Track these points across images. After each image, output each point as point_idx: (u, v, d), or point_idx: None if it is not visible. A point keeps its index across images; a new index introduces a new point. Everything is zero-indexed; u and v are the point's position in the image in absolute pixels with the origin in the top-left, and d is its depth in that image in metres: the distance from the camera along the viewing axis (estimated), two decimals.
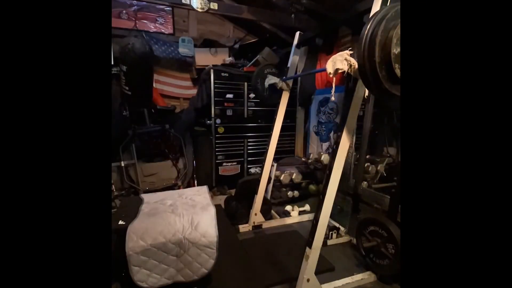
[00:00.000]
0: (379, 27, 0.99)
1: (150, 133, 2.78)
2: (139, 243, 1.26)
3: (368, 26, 1.04)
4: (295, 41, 2.16)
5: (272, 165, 2.46)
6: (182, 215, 1.38)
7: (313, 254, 1.38)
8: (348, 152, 1.73)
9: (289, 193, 2.81)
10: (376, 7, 1.28)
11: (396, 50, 0.97)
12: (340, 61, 1.24)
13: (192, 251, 1.32)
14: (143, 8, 3.25)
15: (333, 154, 1.36)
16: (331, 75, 1.27)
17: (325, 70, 1.31)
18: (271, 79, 2.19)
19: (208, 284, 1.48)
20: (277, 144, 2.29)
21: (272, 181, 2.58)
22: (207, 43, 3.45)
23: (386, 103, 2.18)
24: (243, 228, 2.25)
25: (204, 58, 3.33)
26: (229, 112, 3.05)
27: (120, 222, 1.34)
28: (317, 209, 1.39)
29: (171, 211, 1.43)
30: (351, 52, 1.27)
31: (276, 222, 2.41)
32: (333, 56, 1.27)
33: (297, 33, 2.16)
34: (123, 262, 1.24)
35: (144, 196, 1.67)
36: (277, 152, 2.37)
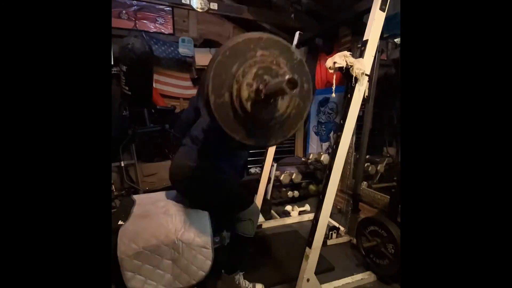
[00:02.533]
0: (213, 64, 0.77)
1: (150, 133, 2.78)
2: (131, 246, 1.23)
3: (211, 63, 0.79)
4: (295, 41, 2.16)
5: (272, 165, 2.46)
6: (174, 216, 1.36)
7: (313, 254, 1.38)
8: (348, 152, 1.73)
9: (289, 193, 2.81)
10: (376, 7, 1.29)
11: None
12: (339, 57, 1.26)
13: (187, 253, 1.30)
14: (143, 8, 3.25)
15: (333, 154, 1.36)
16: (331, 70, 1.29)
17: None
18: None
19: (207, 284, 1.48)
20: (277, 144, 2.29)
21: (272, 181, 2.57)
22: (207, 43, 3.45)
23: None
24: None
25: (204, 58, 3.32)
26: None
27: (120, 222, 1.34)
28: (317, 209, 1.39)
29: (163, 212, 1.41)
30: (351, 53, 1.29)
31: (276, 222, 2.40)
32: (335, 55, 1.29)
33: (297, 33, 2.16)
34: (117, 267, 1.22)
35: (136, 198, 1.64)
36: (277, 152, 2.37)
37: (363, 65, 1.28)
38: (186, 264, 1.31)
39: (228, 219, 1.47)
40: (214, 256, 1.33)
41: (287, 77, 0.65)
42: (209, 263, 1.34)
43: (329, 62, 1.28)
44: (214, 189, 1.40)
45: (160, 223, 1.32)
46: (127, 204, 1.56)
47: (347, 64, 1.25)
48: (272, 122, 0.83)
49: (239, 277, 1.51)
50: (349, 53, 1.28)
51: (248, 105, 0.77)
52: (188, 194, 1.49)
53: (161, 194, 1.70)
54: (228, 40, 0.81)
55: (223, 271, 1.50)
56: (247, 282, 1.52)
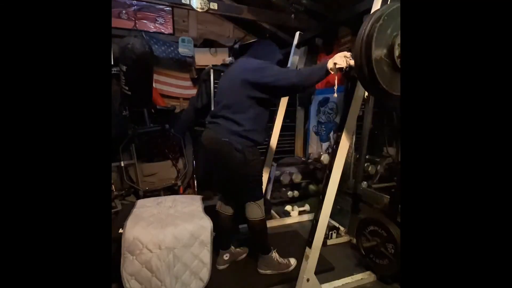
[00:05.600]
0: (376, 25, 1.00)
1: (150, 133, 2.78)
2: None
3: (366, 24, 1.05)
4: (295, 41, 2.16)
5: (272, 165, 2.45)
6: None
7: (313, 254, 1.38)
8: (348, 152, 1.73)
9: (289, 193, 2.81)
10: (376, 6, 1.28)
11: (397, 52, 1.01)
12: (340, 57, 1.26)
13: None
14: (143, 8, 3.25)
15: (333, 154, 1.36)
16: (332, 72, 1.29)
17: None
18: None
19: (208, 284, 1.48)
20: (277, 144, 2.29)
21: (272, 181, 2.57)
22: (207, 43, 3.45)
23: (384, 102, 2.19)
24: (243, 228, 2.25)
25: (204, 58, 3.32)
26: None
27: (121, 231, 1.34)
28: (317, 209, 1.39)
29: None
30: (351, 53, 1.28)
31: (276, 222, 2.40)
32: (335, 55, 1.29)
33: (297, 33, 2.16)
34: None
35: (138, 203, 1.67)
36: (277, 152, 2.37)
37: None
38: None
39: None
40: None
41: None
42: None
43: (330, 63, 1.28)
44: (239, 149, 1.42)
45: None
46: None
47: (347, 64, 1.25)
48: None
49: (275, 255, 1.68)
50: (350, 53, 1.28)
51: (398, 61, 0.99)
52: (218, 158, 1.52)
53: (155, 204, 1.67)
54: (384, 7, 1.08)
55: (260, 253, 1.69)
56: (282, 258, 1.69)
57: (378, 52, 1.01)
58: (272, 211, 2.53)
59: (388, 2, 1.28)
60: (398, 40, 1.00)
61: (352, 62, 1.24)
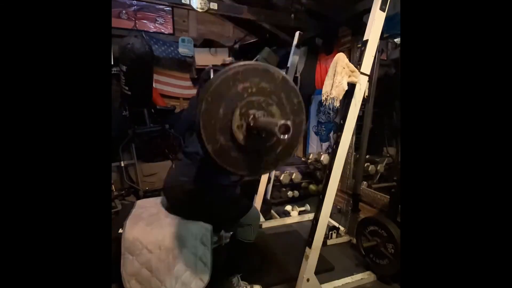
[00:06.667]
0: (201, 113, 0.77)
1: (150, 133, 2.78)
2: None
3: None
4: (295, 41, 2.16)
5: None
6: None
7: (313, 254, 1.38)
8: (348, 152, 1.73)
9: (289, 193, 2.81)
10: (376, 7, 1.28)
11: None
12: (345, 75, 1.28)
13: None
14: (143, 8, 3.25)
15: (333, 154, 1.36)
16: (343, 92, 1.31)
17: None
18: None
19: (208, 284, 1.48)
20: None
21: (272, 181, 2.57)
22: (207, 43, 3.46)
23: None
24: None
25: (204, 58, 3.33)
26: None
27: (121, 231, 1.34)
28: (317, 209, 1.39)
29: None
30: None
31: (276, 222, 2.40)
32: (336, 75, 1.29)
33: (297, 33, 2.17)
34: None
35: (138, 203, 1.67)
36: None
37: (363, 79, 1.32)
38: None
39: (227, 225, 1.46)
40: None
41: (280, 122, 0.60)
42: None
43: (340, 91, 1.29)
44: (211, 206, 1.38)
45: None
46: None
47: (348, 77, 1.28)
48: (264, 152, 0.84)
49: (237, 279, 1.49)
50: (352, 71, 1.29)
51: (241, 140, 0.79)
52: (183, 210, 1.43)
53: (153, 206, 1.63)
54: (207, 84, 0.82)
55: (219, 273, 1.45)
56: (245, 284, 1.50)
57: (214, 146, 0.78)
58: (272, 211, 2.53)
59: (388, 3, 1.29)
60: (236, 119, 0.77)
61: (352, 67, 1.26)
